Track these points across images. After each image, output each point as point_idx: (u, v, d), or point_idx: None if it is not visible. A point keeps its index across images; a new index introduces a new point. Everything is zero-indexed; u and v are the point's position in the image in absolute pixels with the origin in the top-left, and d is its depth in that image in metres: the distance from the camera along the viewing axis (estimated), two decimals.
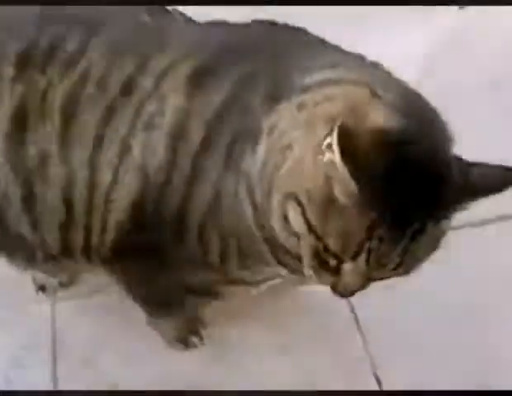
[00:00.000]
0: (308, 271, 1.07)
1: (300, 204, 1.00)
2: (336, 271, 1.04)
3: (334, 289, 1.06)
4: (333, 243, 1.00)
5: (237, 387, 1.42)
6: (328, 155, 0.96)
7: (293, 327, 1.51)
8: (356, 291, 1.06)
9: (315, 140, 0.99)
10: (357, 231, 0.98)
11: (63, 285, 1.58)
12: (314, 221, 1.00)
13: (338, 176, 0.95)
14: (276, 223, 1.06)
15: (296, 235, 1.03)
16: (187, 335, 1.50)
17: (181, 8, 1.92)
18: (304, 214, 1.00)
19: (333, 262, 1.03)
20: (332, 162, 0.95)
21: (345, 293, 1.06)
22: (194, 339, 1.50)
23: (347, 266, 1.02)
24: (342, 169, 0.93)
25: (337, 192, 0.97)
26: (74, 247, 1.25)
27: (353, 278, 1.03)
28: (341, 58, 1.13)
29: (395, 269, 1.04)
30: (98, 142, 1.14)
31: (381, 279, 1.06)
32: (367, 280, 1.05)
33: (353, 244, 0.99)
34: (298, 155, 1.02)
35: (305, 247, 1.03)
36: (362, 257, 1.00)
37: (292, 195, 1.02)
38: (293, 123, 1.04)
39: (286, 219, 1.03)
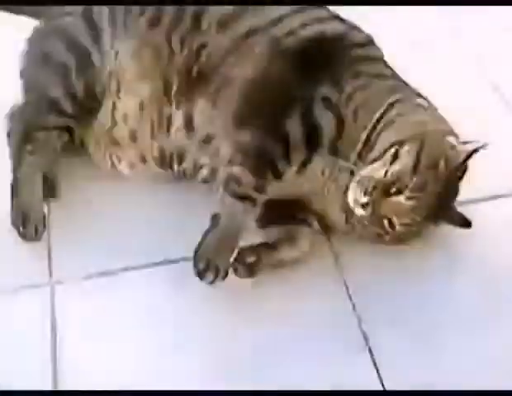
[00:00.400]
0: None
1: (421, 145, 1.46)
2: (391, 195, 1.46)
3: (377, 204, 1.46)
4: (417, 181, 1.45)
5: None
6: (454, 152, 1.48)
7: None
8: (388, 215, 1.48)
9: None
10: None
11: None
12: (422, 163, 1.45)
13: (452, 160, 1.47)
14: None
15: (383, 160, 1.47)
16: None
17: None
18: (418, 154, 1.45)
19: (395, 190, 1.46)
20: (457, 153, 1.47)
21: (382, 212, 1.46)
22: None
23: (402, 197, 1.45)
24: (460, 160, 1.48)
25: (442, 163, 1.47)
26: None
27: (396, 205, 1.46)
28: None
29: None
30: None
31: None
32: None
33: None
34: None
35: (399, 166, 1.45)
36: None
37: (421, 136, 1.48)
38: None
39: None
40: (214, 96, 1.61)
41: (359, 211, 1.48)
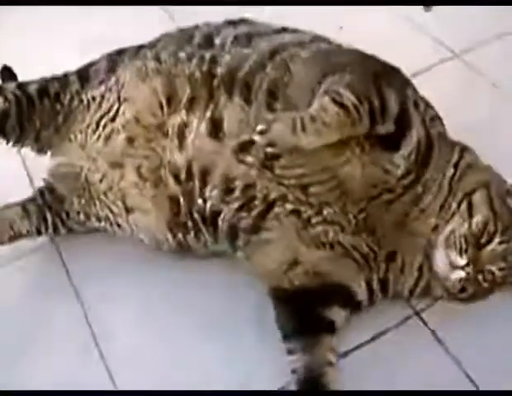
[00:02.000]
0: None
1: (488, 188, 1.48)
2: (484, 245, 1.45)
3: (476, 260, 1.44)
4: (503, 222, 1.46)
5: None
6: None
7: None
8: (486, 267, 1.47)
9: None
10: None
11: None
12: (496, 205, 1.47)
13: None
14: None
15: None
16: None
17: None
18: (490, 197, 1.47)
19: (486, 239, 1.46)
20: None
21: (480, 266, 1.45)
22: None
23: (494, 244, 1.45)
24: None
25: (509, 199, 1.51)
26: None
27: (491, 254, 1.45)
28: None
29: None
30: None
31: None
32: None
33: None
34: None
35: (481, 215, 1.46)
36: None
37: (484, 180, 1.50)
38: None
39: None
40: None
41: (459, 275, 1.45)
